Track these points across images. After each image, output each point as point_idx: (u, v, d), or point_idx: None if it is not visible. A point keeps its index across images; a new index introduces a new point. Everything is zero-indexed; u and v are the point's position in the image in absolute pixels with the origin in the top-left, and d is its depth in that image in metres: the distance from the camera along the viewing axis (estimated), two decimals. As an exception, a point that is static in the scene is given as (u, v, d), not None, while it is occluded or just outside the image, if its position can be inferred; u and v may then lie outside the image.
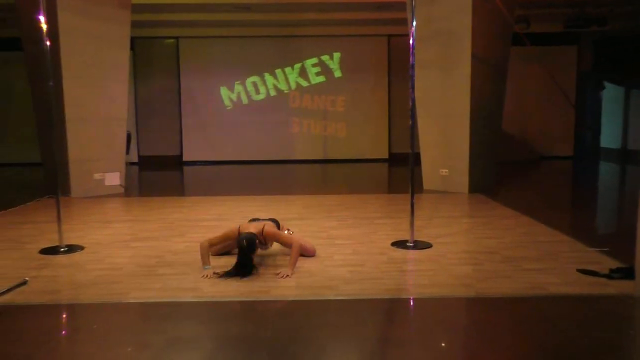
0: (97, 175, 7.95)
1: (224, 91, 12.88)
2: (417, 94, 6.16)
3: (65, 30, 7.36)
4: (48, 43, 4.76)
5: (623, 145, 13.22)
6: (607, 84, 12.54)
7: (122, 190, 8.24)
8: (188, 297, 3.59)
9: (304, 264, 4.32)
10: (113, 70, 7.98)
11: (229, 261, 4.18)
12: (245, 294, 3.64)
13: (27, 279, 3.90)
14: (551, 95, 12.51)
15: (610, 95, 13.07)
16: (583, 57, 12.95)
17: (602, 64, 12.69)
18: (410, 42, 4.86)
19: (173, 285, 3.84)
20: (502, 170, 9.42)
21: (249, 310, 3.45)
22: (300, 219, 6.08)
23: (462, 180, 7.86)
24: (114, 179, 8.14)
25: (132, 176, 10.16)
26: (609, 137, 13.18)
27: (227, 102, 12.92)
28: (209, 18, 11.44)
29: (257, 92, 12.92)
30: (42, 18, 4.71)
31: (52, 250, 4.75)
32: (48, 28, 4.77)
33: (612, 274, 3.87)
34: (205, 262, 4.13)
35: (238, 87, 12.88)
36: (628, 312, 3.34)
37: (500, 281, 3.88)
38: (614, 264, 4.12)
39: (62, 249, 4.76)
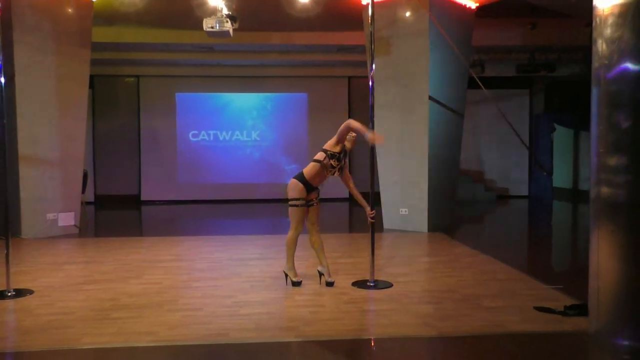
0: (50, 215, 7.69)
1: (183, 131, 12.74)
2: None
3: (22, 66, 7.22)
4: (2, 80, 4.66)
5: (574, 186, 13.68)
6: (557, 126, 13.03)
7: (76, 230, 8.00)
8: (144, 342, 3.47)
9: (264, 305, 4.25)
10: (72, 109, 7.82)
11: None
12: (203, 338, 3.54)
13: (-29, 324, 3.70)
14: (507, 136, 12.90)
15: (562, 136, 13.57)
16: (535, 100, 13.49)
17: (554, 107, 13.22)
18: (370, 84, 4.98)
19: (128, 329, 3.71)
20: (460, 209, 9.57)
21: (208, 354, 3.34)
22: (261, 258, 6.02)
23: (422, 220, 7.95)
24: (68, 219, 7.89)
25: (88, 216, 9.88)
26: (560, 177, 13.63)
27: (186, 142, 12.77)
28: (171, 57, 11.45)
29: (220, 135, 12.83)
30: (-4, 54, 4.62)
31: (-2, 295, 4.54)
32: (3, 63, 4.67)
33: (567, 311, 3.96)
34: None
35: (199, 128, 12.78)
36: (583, 348, 3.39)
37: (461, 319, 3.90)
38: (569, 301, 4.21)
39: (10, 294, 4.55)
